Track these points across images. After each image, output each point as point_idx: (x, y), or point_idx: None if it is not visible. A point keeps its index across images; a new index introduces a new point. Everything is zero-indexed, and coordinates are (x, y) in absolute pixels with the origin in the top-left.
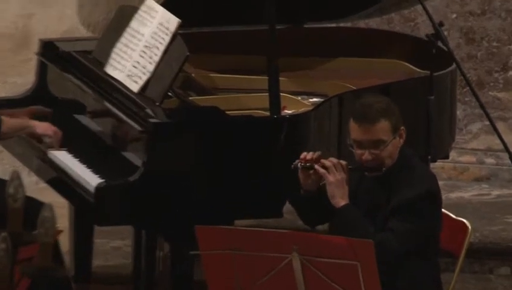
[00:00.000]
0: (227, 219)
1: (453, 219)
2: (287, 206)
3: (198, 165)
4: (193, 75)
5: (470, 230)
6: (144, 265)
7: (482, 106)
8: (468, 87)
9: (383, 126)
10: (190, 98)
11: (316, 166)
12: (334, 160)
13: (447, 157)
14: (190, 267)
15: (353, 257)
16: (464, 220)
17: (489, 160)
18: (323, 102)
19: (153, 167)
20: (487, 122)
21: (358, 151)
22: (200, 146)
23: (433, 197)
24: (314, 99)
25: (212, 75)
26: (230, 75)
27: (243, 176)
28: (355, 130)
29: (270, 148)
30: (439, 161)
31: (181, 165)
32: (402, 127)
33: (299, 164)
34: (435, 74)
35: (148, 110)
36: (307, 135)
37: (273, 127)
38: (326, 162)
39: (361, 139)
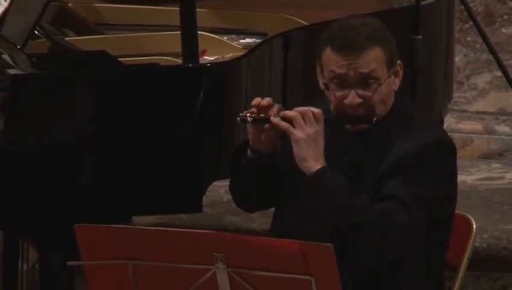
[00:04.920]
0: (122, 214)
1: None
2: (209, 198)
3: (80, 135)
4: (70, 5)
5: (474, 230)
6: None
7: (491, 50)
8: (471, 22)
9: (376, 55)
10: (67, 38)
11: (273, 118)
12: (303, 108)
13: (441, 123)
14: (68, 285)
15: (304, 269)
16: (467, 215)
17: (503, 128)
18: (260, 44)
19: (15, 138)
20: (499, 73)
21: (339, 93)
22: (83, 108)
23: (446, 149)
24: (248, 40)
25: (98, 4)
26: (125, 5)
27: (144, 151)
28: (335, 61)
29: (183, 110)
30: None
31: (56, 136)
32: (399, 62)
33: (248, 116)
34: (423, 2)
35: (6, 57)
36: (237, 92)
37: (188, 81)
38: (290, 113)
39: (345, 72)
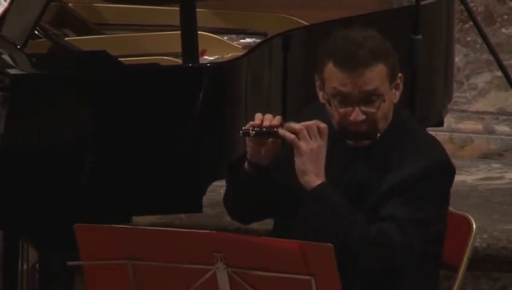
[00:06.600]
0: (122, 214)
1: (451, 213)
2: (209, 198)
3: (80, 135)
4: (70, 5)
5: (474, 230)
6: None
7: (491, 50)
8: (471, 22)
9: (379, 72)
10: (67, 38)
11: (281, 130)
12: (308, 122)
13: (440, 123)
14: (68, 285)
15: (304, 269)
16: (467, 215)
17: (502, 128)
18: (260, 44)
19: (15, 138)
20: (499, 73)
21: (342, 110)
22: (84, 108)
23: (446, 172)
24: (248, 40)
25: (98, 4)
26: (125, 5)
27: (144, 151)
28: (338, 78)
29: (183, 110)
30: (429, 129)
31: (56, 136)
32: (400, 75)
33: (250, 130)
34: (423, 2)
35: (6, 57)
36: (237, 92)
37: (188, 81)
38: (295, 125)
39: (348, 90)
